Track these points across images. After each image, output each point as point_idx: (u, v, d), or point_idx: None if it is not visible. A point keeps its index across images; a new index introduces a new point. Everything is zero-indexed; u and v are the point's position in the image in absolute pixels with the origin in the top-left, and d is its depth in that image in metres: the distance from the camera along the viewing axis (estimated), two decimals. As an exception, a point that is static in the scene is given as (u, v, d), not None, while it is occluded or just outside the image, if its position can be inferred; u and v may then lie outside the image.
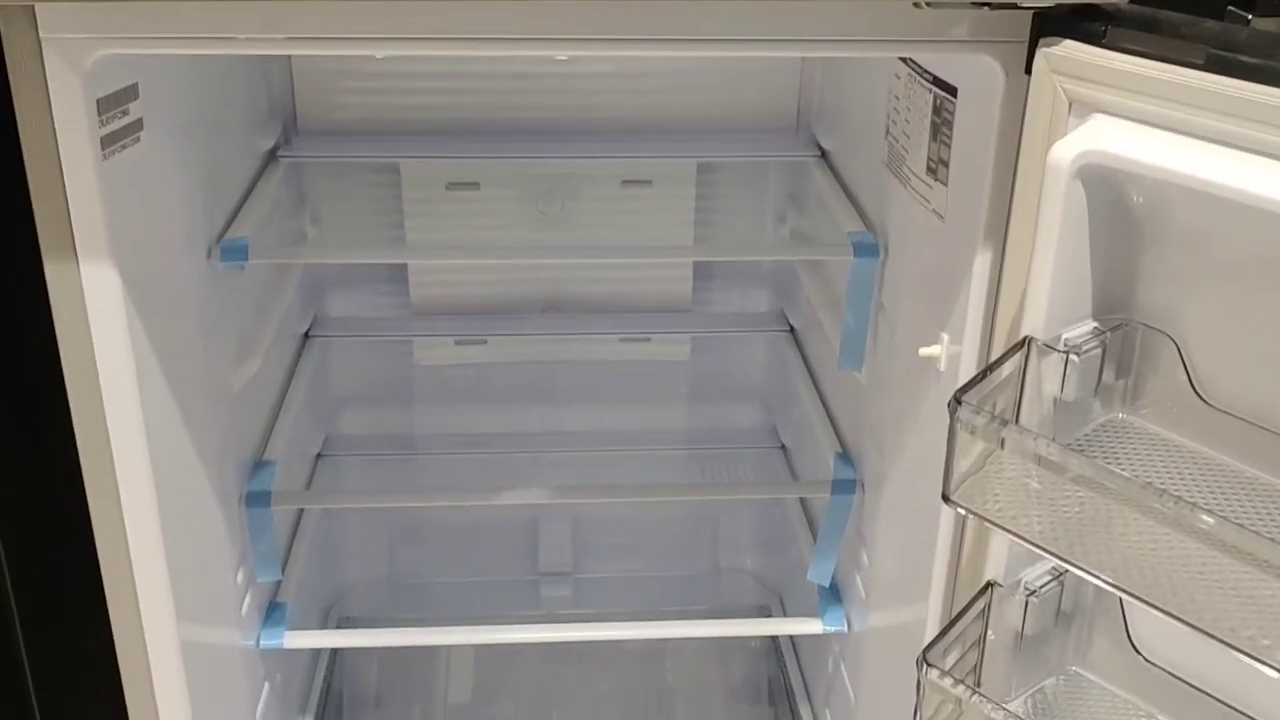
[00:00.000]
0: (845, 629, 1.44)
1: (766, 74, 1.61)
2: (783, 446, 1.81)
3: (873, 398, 1.34)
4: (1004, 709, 0.93)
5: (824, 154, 1.56)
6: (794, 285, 1.71)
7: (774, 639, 1.81)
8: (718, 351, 1.81)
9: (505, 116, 1.61)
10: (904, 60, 1.17)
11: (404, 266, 1.71)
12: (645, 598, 1.90)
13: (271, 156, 1.53)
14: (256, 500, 1.34)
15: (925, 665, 0.92)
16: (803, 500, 1.68)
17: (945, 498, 0.86)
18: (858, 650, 1.42)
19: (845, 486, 1.38)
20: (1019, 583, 1.00)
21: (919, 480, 1.17)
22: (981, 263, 1.02)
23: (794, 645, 1.77)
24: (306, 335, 1.70)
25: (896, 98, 1.22)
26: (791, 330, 1.73)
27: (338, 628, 1.80)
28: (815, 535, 1.61)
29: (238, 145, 1.41)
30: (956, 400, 0.86)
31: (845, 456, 1.44)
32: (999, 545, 0.98)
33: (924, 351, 1.11)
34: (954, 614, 1.10)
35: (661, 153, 1.61)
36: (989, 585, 0.99)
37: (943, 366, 1.10)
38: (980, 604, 0.99)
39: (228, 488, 1.30)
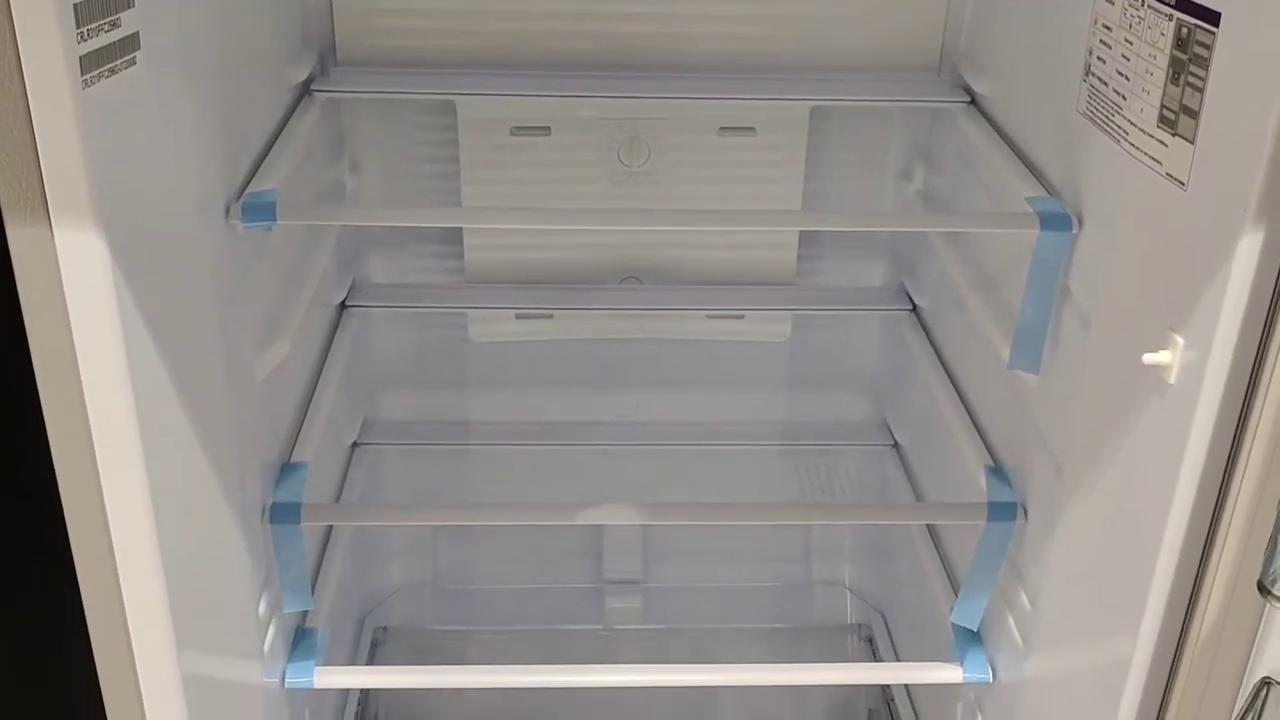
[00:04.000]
0: (989, 678, 1.19)
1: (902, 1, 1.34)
2: (895, 444, 1.55)
3: (1047, 405, 1.08)
4: None
5: (974, 99, 1.29)
6: (921, 256, 1.44)
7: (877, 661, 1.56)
8: (823, 331, 1.55)
9: (582, 48, 1.34)
10: (1129, -23, 0.90)
11: (457, 227, 1.45)
12: (725, 610, 1.65)
13: (305, 91, 1.27)
14: (283, 514, 1.10)
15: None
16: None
17: (1263, 588, 0.61)
18: (1005, 702, 1.17)
19: (1004, 511, 1.13)
20: (1303, 682, 0.75)
21: (1123, 513, 0.91)
22: (1247, 246, 0.76)
23: (904, 677, 1.52)
24: (343, 305, 1.44)
25: (1107, 28, 0.95)
26: (914, 309, 1.47)
27: (374, 642, 1.57)
28: (937, 545, 1.37)
29: (264, 76, 1.15)
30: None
31: (999, 472, 1.18)
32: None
33: (1150, 359, 0.85)
34: (1168, 682, 0.87)
35: (769, 94, 1.34)
36: (1265, 683, 0.74)
37: (1173, 378, 0.84)
38: (1251, 712, 0.74)
39: (248, 499, 1.05)
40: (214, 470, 0.95)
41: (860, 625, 1.63)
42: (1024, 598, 1.12)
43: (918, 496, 1.48)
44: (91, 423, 0.79)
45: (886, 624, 1.61)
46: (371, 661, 1.53)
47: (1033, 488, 1.12)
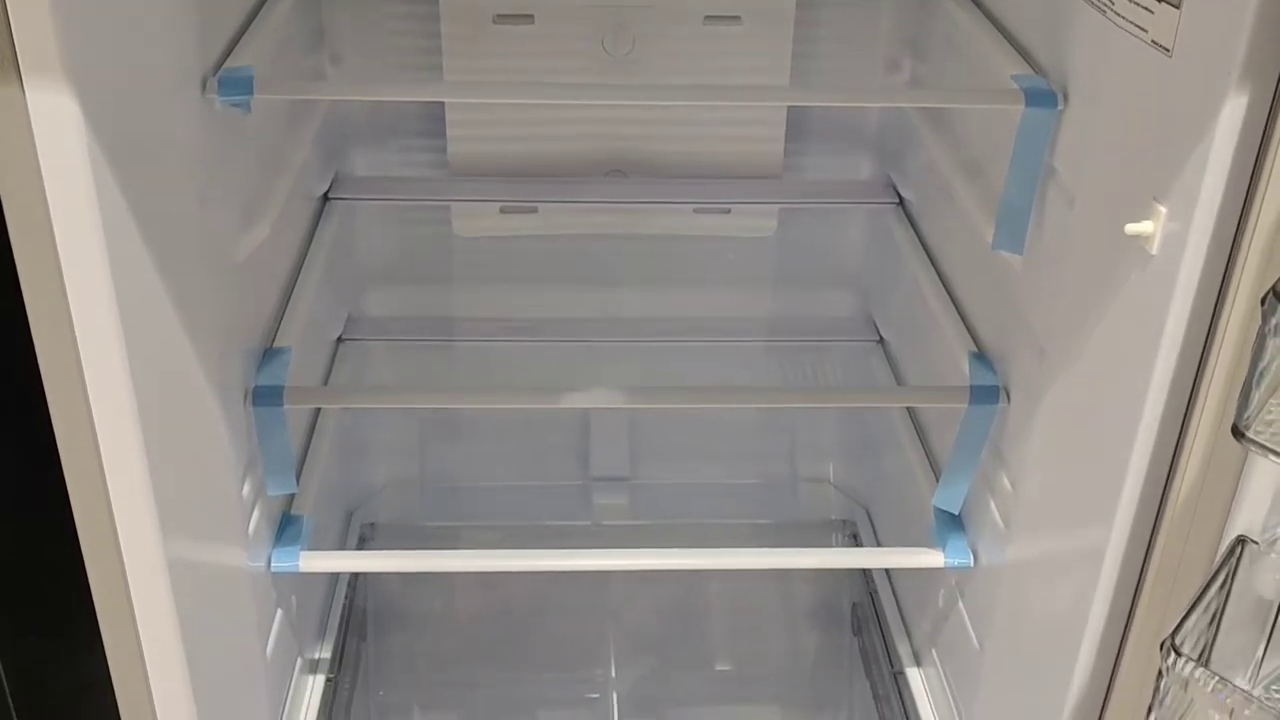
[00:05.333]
0: (971, 563, 1.20)
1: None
2: (881, 340, 1.55)
3: (1031, 286, 1.07)
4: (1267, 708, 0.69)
5: (960, -17, 1.28)
6: (908, 148, 1.43)
7: (861, 560, 1.58)
8: (809, 227, 1.54)
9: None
10: None
11: (440, 118, 1.43)
12: (711, 508, 1.66)
13: (281, -25, 1.25)
14: (266, 397, 1.10)
15: (1173, 654, 0.68)
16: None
17: (1237, 430, 0.61)
18: (986, 588, 1.18)
19: (986, 394, 1.13)
20: (1277, 540, 0.75)
21: (1104, 388, 0.92)
22: (1231, 110, 0.75)
23: (888, 570, 1.53)
24: (326, 197, 1.43)
25: (1094, -104, 0.94)
26: (901, 203, 1.46)
27: (361, 537, 1.58)
28: (921, 439, 1.37)
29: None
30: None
31: (982, 357, 1.18)
32: (1263, 483, 0.73)
33: (1132, 229, 0.85)
34: (1144, 563, 0.87)
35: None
36: (1241, 541, 0.74)
37: (1155, 248, 0.84)
38: (1226, 568, 0.74)
39: (230, 380, 1.05)
40: (194, 349, 0.95)
41: (845, 521, 1.64)
42: (1005, 481, 1.13)
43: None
44: (69, 293, 0.77)
45: (871, 520, 1.62)
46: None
47: (1015, 372, 1.12)
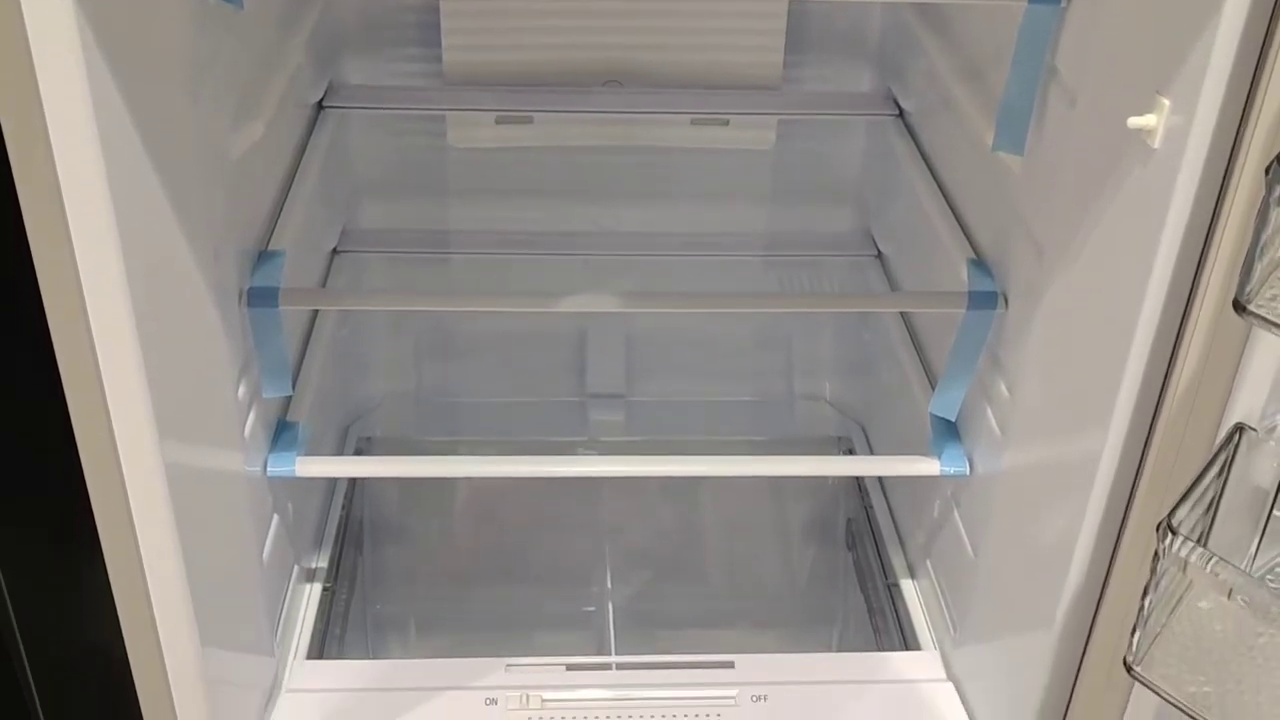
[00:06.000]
0: (966, 471, 1.21)
1: None
2: (879, 255, 1.54)
3: (1030, 188, 1.06)
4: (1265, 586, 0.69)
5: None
6: (908, 57, 1.41)
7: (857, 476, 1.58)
8: (808, 140, 1.53)
9: None
10: None
11: (435, 26, 1.41)
12: (707, 425, 1.66)
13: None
14: (261, 298, 1.09)
15: (1170, 534, 0.68)
16: (905, 316, 1.42)
17: (1239, 304, 0.60)
18: (981, 496, 1.19)
19: (984, 300, 1.13)
20: (1276, 427, 0.75)
21: (1104, 287, 0.91)
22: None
23: (882, 484, 1.54)
24: (320, 106, 1.42)
25: None
26: (901, 114, 1.45)
27: (358, 451, 1.58)
28: (920, 355, 1.37)
29: None
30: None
31: (980, 264, 1.17)
32: (1263, 368, 0.73)
33: (1134, 122, 0.84)
34: (1143, 455, 0.87)
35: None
36: (1239, 429, 0.74)
37: (1157, 142, 0.83)
38: (1223, 455, 0.74)
39: (225, 282, 1.04)
40: (189, 245, 0.94)
41: (840, 438, 1.64)
42: (1003, 387, 1.13)
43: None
44: (63, 186, 0.77)
45: (866, 436, 1.62)
46: (355, 469, 1.54)
47: (1014, 277, 1.12)
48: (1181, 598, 0.72)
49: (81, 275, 0.80)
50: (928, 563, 1.34)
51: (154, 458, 0.89)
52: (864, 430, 1.63)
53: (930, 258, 1.33)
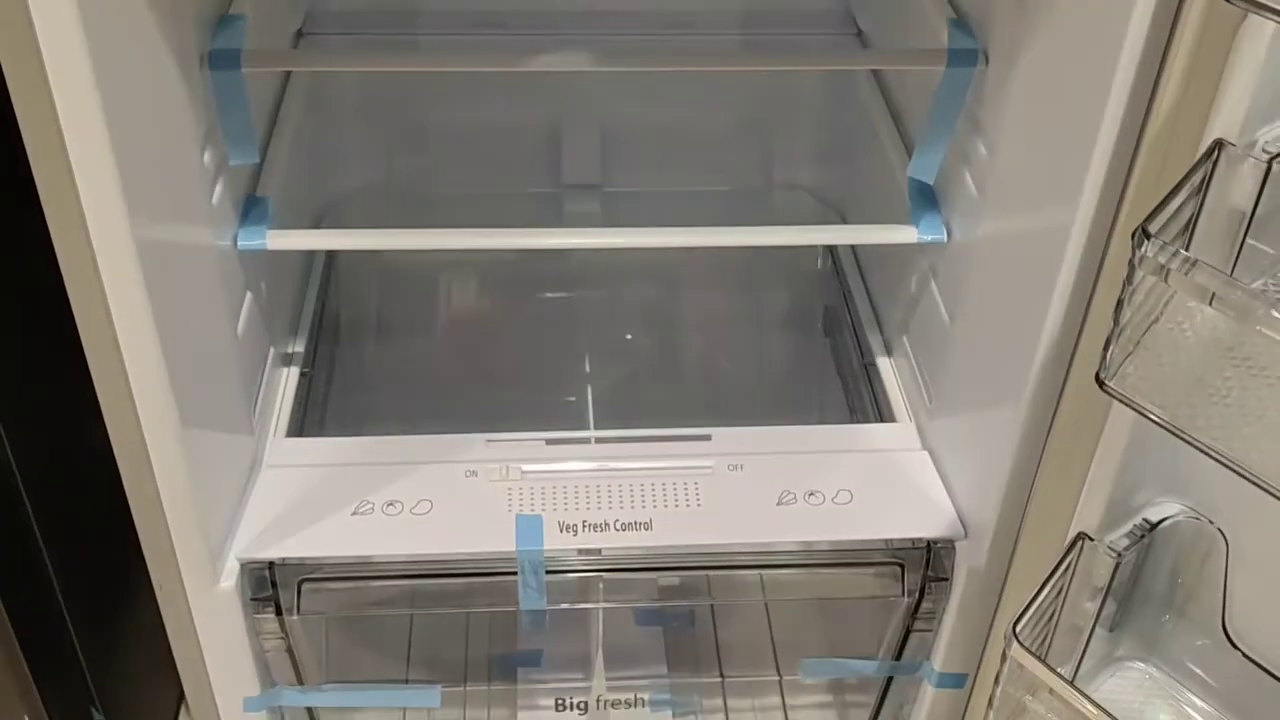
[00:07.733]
0: (944, 238, 1.20)
1: None
2: (859, 33, 1.51)
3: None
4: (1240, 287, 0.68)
5: None
6: None
7: (835, 263, 1.57)
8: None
9: None
10: None
11: None
12: (684, 215, 1.64)
13: None
14: (223, 60, 1.06)
15: (1145, 239, 0.67)
16: (886, 93, 1.40)
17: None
18: (959, 262, 1.18)
19: (964, 57, 1.10)
20: (1254, 143, 0.74)
21: (1086, 34, 0.89)
22: None
23: (860, 268, 1.53)
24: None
25: None
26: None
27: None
28: (901, 133, 1.35)
29: None
30: None
31: (961, 24, 1.15)
32: (1242, 87, 0.71)
33: None
34: (1127, 177, 0.85)
35: None
36: (1218, 145, 0.73)
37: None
38: (1201, 170, 0.73)
39: (184, 45, 1.01)
40: (149, 8, 0.91)
41: (820, 226, 1.63)
42: (981, 148, 1.11)
43: (881, 88, 1.44)
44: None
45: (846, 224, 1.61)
46: (330, 258, 1.52)
47: (995, 34, 1.09)
48: (1159, 316, 0.72)
49: (38, 32, 0.78)
50: (904, 339, 1.35)
51: (121, 223, 0.88)
52: (843, 220, 1.62)
53: (910, 26, 1.30)
